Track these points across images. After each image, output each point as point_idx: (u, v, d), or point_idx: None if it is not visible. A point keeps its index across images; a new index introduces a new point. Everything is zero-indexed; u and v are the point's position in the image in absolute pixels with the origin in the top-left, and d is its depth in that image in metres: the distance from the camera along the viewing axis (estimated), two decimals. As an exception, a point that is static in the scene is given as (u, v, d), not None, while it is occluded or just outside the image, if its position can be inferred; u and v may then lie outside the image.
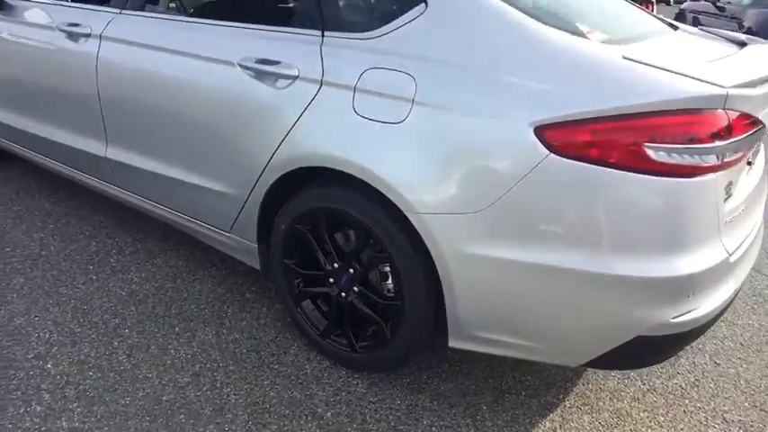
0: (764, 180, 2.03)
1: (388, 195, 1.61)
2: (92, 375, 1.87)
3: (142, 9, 2.26)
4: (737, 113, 1.43)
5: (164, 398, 1.80)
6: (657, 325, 1.49)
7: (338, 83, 1.70)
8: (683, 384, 2.06)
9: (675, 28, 2.24)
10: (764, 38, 2.35)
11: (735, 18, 8.21)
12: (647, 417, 1.89)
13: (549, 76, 1.46)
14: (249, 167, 1.92)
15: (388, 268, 1.80)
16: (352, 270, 1.85)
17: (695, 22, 9.63)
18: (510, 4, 1.61)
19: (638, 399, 1.97)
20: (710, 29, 2.42)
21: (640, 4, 8.48)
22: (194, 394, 1.82)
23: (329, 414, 1.79)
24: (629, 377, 2.07)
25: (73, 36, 2.39)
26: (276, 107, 1.81)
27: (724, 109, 1.39)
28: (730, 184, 1.55)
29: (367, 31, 1.71)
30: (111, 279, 2.37)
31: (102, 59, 2.28)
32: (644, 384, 2.04)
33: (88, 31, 2.33)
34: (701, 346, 2.27)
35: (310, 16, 1.83)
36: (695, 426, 1.86)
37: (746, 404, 1.99)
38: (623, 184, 1.40)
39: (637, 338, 1.52)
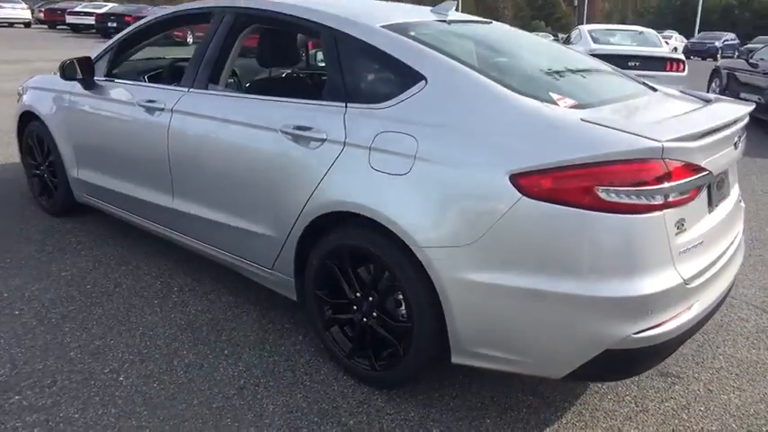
0: (735, 219, 2.29)
1: (397, 233, 1.97)
2: (155, 386, 2.25)
3: (205, 88, 2.76)
4: (677, 162, 1.74)
5: (213, 405, 2.15)
6: (621, 339, 1.76)
7: (357, 144, 2.11)
8: (675, 407, 2.26)
9: (655, 90, 2.57)
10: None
11: (766, 73, 8.37)
12: (637, 429, 2.11)
13: (520, 136, 1.82)
14: (288, 214, 2.33)
15: (400, 296, 2.13)
16: (371, 298, 2.20)
17: (729, 78, 9.81)
18: (493, 80, 2.00)
19: (631, 418, 2.19)
20: (688, 90, 2.73)
21: (670, 64, 8.75)
22: (239, 403, 2.17)
23: (352, 422, 2.10)
24: (623, 399, 2.29)
25: (149, 110, 2.92)
26: (309, 164, 2.23)
27: (662, 159, 1.71)
28: (682, 220, 1.84)
29: (380, 102, 2.12)
30: (172, 311, 2.79)
31: (172, 128, 2.79)
32: (637, 406, 2.26)
33: (162, 106, 2.85)
34: (696, 375, 2.47)
35: (336, 91, 2.27)
36: (660, 421, 2.07)
37: (734, 425, 2.17)
38: (581, 220, 1.72)
39: (606, 351, 1.79)
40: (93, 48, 3.62)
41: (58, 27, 29.55)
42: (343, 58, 2.28)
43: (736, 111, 2.14)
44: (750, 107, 2.27)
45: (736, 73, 9.61)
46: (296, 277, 2.44)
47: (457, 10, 3.10)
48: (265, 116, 2.41)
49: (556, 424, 2.13)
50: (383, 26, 2.28)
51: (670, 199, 1.75)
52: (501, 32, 2.94)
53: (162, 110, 2.84)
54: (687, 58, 13.75)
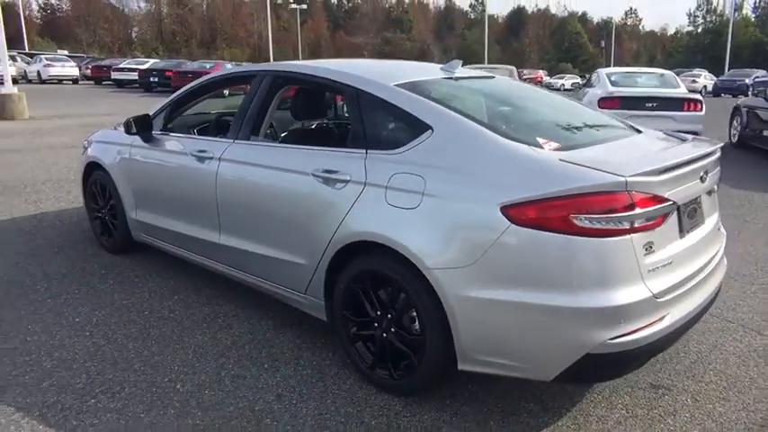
0: (711, 244, 2.60)
1: (410, 258, 2.35)
2: (207, 393, 2.63)
3: (248, 139, 3.23)
4: (640, 193, 2.09)
5: (256, 408, 2.52)
6: (599, 344, 2.08)
7: (376, 183, 2.51)
8: (662, 414, 2.53)
9: (640, 132, 2.93)
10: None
11: (784, 111, 8.59)
12: (639, 428, 2.38)
13: (509, 174, 2.20)
14: (318, 245, 2.72)
15: (414, 313, 2.48)
16: (389, 315, 2.55)
17: (749, 116, 10.01)
18: (488, 128, 2.39)
19: (621, 422, 2.47)
20: (668, 131, 3.07)
21: (687, 104, 9.03)
22: (277, 407, 2.53)
23: (373, 423, 2.43)
24: (615, 407, 2.57)
25: (200, 159, 3.39)
26: (335, 202, 2.64)
27: (626, 191, 2.06)
28: (651, 243, 2.17)
29: (395, 148, 2.53)
30: (219, 332, 3.19)
31: (220, 174, 3.25)
32: (627, 412, 2.53)
33: (211, 155, 3.33)
34: (685, 387, 2.73)
35: (358, 140, 2.70)
36: (647, 426, 2.34)
37: (715, 429, 2.43)
38: (560, 243, 2.07)
39: (587, 356, 2.11)
40: (137, 101, 4.12)
41: (103, 83, 31.35)
42: (363, 112, 2.72)
43: (702, 149, 2.48)
44: (717, 146, 2.61)
45: (757, 111, 9.79)
46: (326, 300, 2.82)
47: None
48: (299, 162, 2.85)
49: (552, 426, 2.42)
50: (397, 84, 2.72)
51: (636, 225, 2.09)
52: (502, 86, 3.36)
53: (211, 158, 3.32)
54: (717, 95, 13.85)
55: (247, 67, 3.39)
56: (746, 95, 29.00)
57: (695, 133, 9.05)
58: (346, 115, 3.62)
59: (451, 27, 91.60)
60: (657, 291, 2.16)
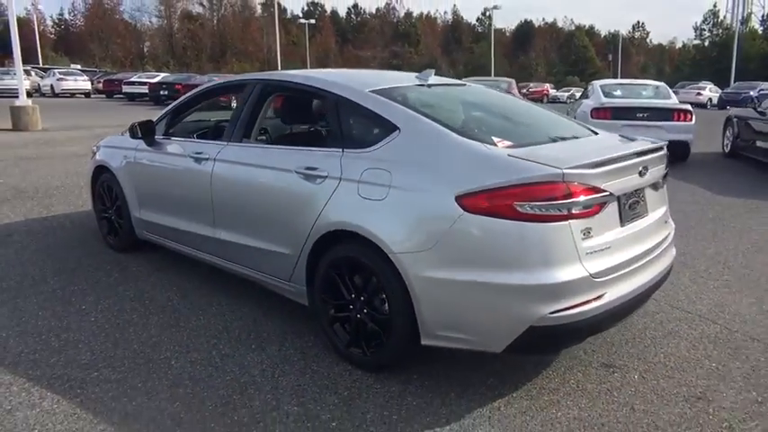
0: (655, 234, 2.86)
1: (378, 244, 2.63)
2: (198, 368, 2.90)
3: (240, 141, 3.53)
4: (576, 184, 2.36)
5: (241, 380, 2.79)
6: (540, 318, 2.34)
7: (350, 178, 2.80)
8: (610, 388, 2.78)
9: (596, 133, 3.21)
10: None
11: (772, 121, 8.81)
12: (573, 405, 2.63)
13: (463, 168, 2.49)
14: (300, 235, 3.01)
15: (383, 295, 2.76)
16: (362, 298, 2.83)
17: (740, 127, 10.23)
18: (449, 128, 2.68)
19: (570, 394, 2.72)
20: (624, 134, 3.34)
21: (677, 114, 9.26)
22: (260, 379, 2.80)
23: (346, 393, 2.69)
24: (567, 382, 2.82)
25: (197, 160, 3.70)
26: (315, 196, 2.92)
27: (563, 182, 2.33)
28: (589, 229, 2.44)
29: (367, 147, 2.83)
30: (213, 319, 3.47)
31: (214, 173, 3.55)
32: (578, 387, 2.78)
33: (207, 156, 3.63)
34: (635, 366, 2.97)
35: (336, 140, 3.00)
36: (607, 411, 2.58)
37: (655, 400, 2.67)
38: (505, 228, 2.34)
39: (530, 328, 2.37)
40: (146, 113, 4.46)
41: (115, 96, 31.96)
42: (341, 116, 3.02)
43: (639, 147, 2.76)
44: (657, 145, 2.89)
45: (749, 121, 10.00)
46: (307, 286, 3.10)
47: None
48: (284, 161, 3.15)
49: (507, 397, 2.68)
50: (371, 90, 3.02)
51: (573, 212, 2.37)
52: (471, 92, 3.65)
53: (207, 159, 3.62)
54: (723, 108, 14.01)
55: (240, 76, 3.70)
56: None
57: (685, 142, 9.33)
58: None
59: (459, 41, 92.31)
60: (595, 271, 2.43)
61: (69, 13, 79.43)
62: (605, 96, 10.11)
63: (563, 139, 2.99)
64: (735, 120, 10.55)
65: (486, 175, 2.41)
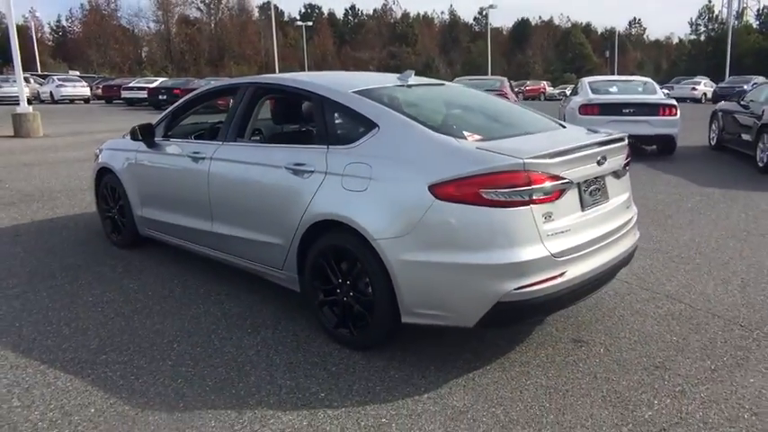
0: (615, 219, 3.11)
1: (361, 232, 2.87)
2: (198, 350, 3.15)
3: (235, 140, 3.78)
4: (536, 172, 2.61)
5: (238, 359, 3.03)
6: (506, 293, 2.59)
7: (334, 172, 3.05)
8: (576, 360, 3.02)
9: (564, 126, 3.46)
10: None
11: (754, 114, 9.05)
12: (542, 375, 2.88)
13: (435, 160, 2.74)
14: (291, 226, 3.25)
15: (367, 279, 3.00)
16: (348, 282, 3.08)
17: (725, 120, 10.48)
18: (424, 124, 2.93)
19: (540, 366, 2.96)
20: (591, 126, 3.58)
21: (663, 109, 9.49)
22: (255, 358, 3.04)
23: (334, 369, 2.94)
24: (538, 356, 3.06)
25: (195, 159, 3.95)
26: (303, 189, 3.17)
27: (524, 170, 2.58)
28: (550, 213, 2.68)
29: (349, 143, 3.08)
30: (212, 307, 3.72)
31: (211, 171, 3.80)
32: (547, 359, 3.03)
33: (204, 155, 3.88)
34: (602, 341, 3.22)
35: (321, 137, 3.25)
36: (572, 379, 2.83)
37: (617, 369, 2.91)
38: (473, 213, 2.59)
39: (498, 303, 2.62)
40: (146, 118, 4.72)
41: (114, 101, 32.19)
42: (326, 115, 3.27)
43: (597, 138, 3.01)
44: (617, 136, 3.14)
45: (734, 115, 10.24)
46: (298, 273, 3.35)
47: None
48: (275, 158, 3.40)
49: (481, 369, 2.93)
50: (354, 91, 3.27)
51: (534, 197, 2.61)
52: (449, 91, 3.90)
53: (204, 158, 3.87)
54: (717, 102, 14.26)
55: (234, 79, 3.96)
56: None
57: (671, 136, 9.58)
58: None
59: (456, 40, 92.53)
60: (556, 251, 2.68)
61: (67, 20, 79.97)
62: (593, 93, 10.37)
63: (531, 132, 3.23)
64: (720, 113, 10.79)
65: (455, 165, 2.66)
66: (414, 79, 3.74)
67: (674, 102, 9.94)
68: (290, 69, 65.48)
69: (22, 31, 57.56)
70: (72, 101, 33.23)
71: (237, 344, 3.23)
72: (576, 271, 2.78)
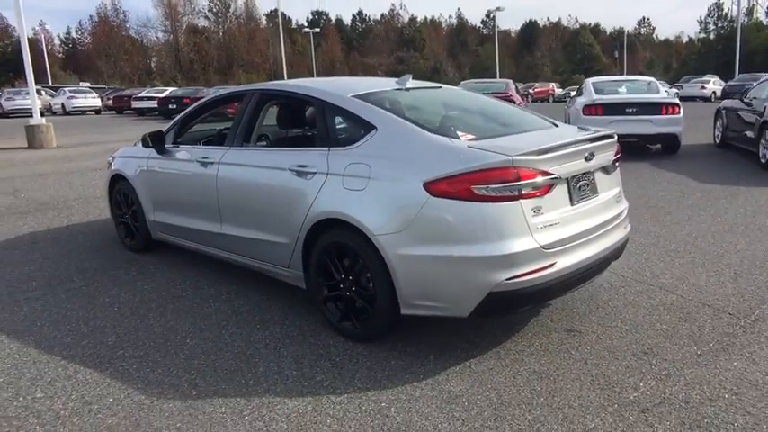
0: (604, 213, 3.25)
1: (361, 229, 3.03)
2: (210, 345, 3.32)
3: (241, 145, 3.97)
4: (525, 169, 2.76)
5: (247, 352, 3.21)
6: (497, 284, 2.74)
7: (335, 173, 3.22)
8: (568, 347, 3.16)
9: (557, 125, 3.60)
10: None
11: (756, 111, 9.12)
12: (535, 362, 3.02)
13: (430, 159, 2.90)
14: (296, 225, 3.42)
15: (368, 274, 3.16)
16: (350, 277, 3.24)
17: (728, 118, 10.54)
18: (420, 126, 3.09)
19: (534, 354, 3.10)
20: (582, 126, 3.72)
21: (665, 108, 9.56)
22: (264, 351, 3.21)
23: (338, 359, 3.10)
24: (532, 344, 3.20)
25: (204, 164, 4.14)
26: (306, 190, 3.34)
27: (513, 167, 2.73)
28: (539, 207, 2.83)
29: (349, 145, 3.25)
30: (222, 305, 3.90)
31: (219, 175, 3.98)
32: (541, 348, 3.17)
33: (212, 160, 4.07)
34: (594, 330, 3.35)
35: (323, 140, 3.43)
36: (564, 365, 2.97)
37: (607, 356, 3.05)
38: (465, 208, 2.75)
39: (491, 293, 2.77)
40: (157, 127, 4.94)
41: (125, 112, 32.63)
42: (327, 118, 3.44)
43: (584, 136, 3.15)
44: (605, 133, 3.28)
45: (738, 112, 10.28)
46: (304, 271, 3.51)
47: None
48: (279, 160, 3.57)
49: (477, 357, 3.08)
50: (353, 95, 3.44)
51: (524, 192, 2.77)
52: (445, 93, 4.07)
53: (212, 163, 4.06)
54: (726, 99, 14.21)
55: (239, 87, 4.15)
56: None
57: (674, 135, 9.67)
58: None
59: (464, 44, 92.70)
60: (545, 243, 2.82)
61: (76, 32, 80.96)
62: (596, 93, 10.48)
63: (524, 131, 3.38)
64: (724, 111, 10.86)
65: (448, 163, 2.82)
66: (412, 83, 3.90)
67: (676, 101, 10.02)
68: (298, 76, 65.94)
69: (33, 43, 58.33)
70: (83, 112, 33.77)
71: (247, 338, 3.40)
72: (566, 262, 2.93)
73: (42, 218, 6.72)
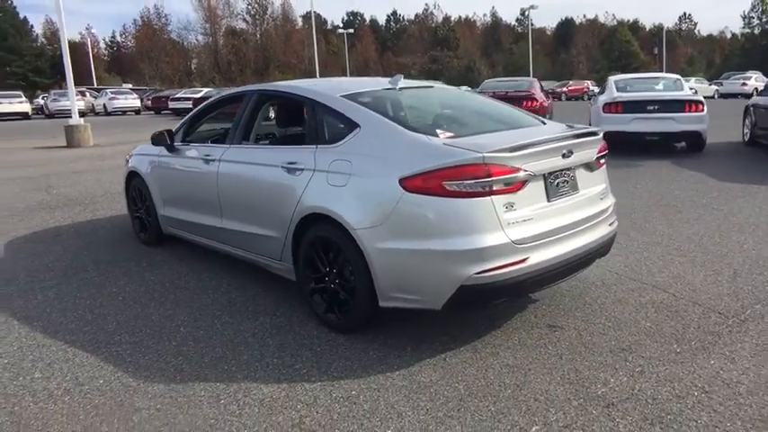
0: (585, 209, 3.26)
1: (342, 223, 3.13)
2: (202, 332, 3.48)
3: (240, 143, 4.12)
4: (496, 165, 2.81)
5: (235, 340, 3.34)
6: (468, 277, 2.80)
7: (321, 169, 3.32)
8: (546, 343, 3.19)
9: (545, 123, 3.63)
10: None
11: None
12: (510, 356, 3.07)
13: (406, 156, 2.98)
14: (286, 219, 3.54)
15: (350, 267, 3.25)
16: (334, 270, 3.34)
17: (757, 115, 10.25)
18: (401, 124, 3.18)
19: (511, 348, 3.15)
20: (571, 124, 3.73)
21: (689, 105, 9.34)
22: (250, 339, 3.34)
23: (319, 349, 3.20)
24: (511, 339, 3.24)
25: (206, 161, 4.31)
26: (295, 185, 3.46)
27: (483, 163, 2.79)
28: (511, 203, 2.88)
29: (335, 143, 3.35)
30: (220, 297, 4.06)
31: (220, 171, 4.14)
32: (519, 342, 3.21)
33: (214, 157, 4.23)
34: (576, 326, 3.37)
35: (311, 138, 3.55)
36: (537, 360, 3.01)
37: (583, 352, 3.07)
38: (438, 203, 2.82)
39: (461, 287, 2.83)
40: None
41: (162, 112, 33.53)
42: (316, 117, 3.55)
43: (563, 133, 3.18)
44: (588, 130, 3.29)
45: (765, 109, 9.99)
46: (294, 264, 3.63)
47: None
48: (272, 158, 3.70)
49: (455, 350, 3.14)
50: (342, 95, 3.54)
51: (495, 188, 2.82)
52: (436, 92, 4.13)
53: (213, 160, 4.22)
54: None
55: (240, 88, 4.32)
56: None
57: (698, 132, 9.47)
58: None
59: (499, 42, 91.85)
60: (516, 238, 2.87)
61: (121, 35, 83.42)
62: (618, 91, 10.33)
63: (506, 129, 3.43)
64: (752, 108, 10.56)
65: (422, 160, 2.89)
66: (403, 83, 3.98)
67: (700, 98, 9.80)
68: (331, 76, 66.51)
69: (79, 47, 60.66)
70: (124, 112, 34.87)
71: (237, 328, 3.54)
72: (540, 257, 2.96)
73: (69, 213, 7.04)
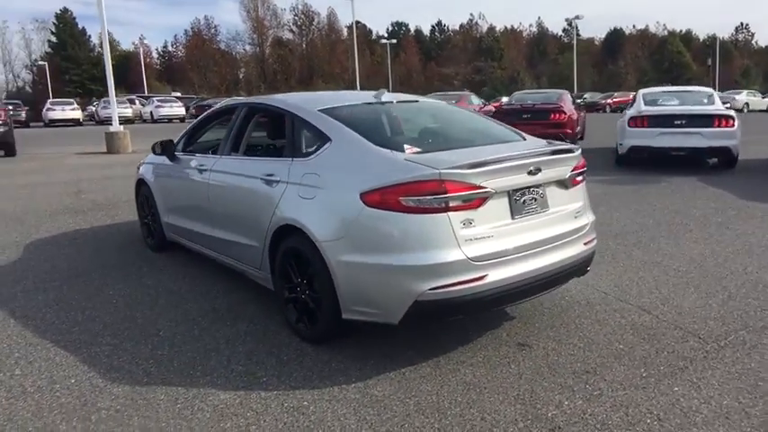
0: (553, 227, 3.22)
1: (309, 235, 3.19)
2: (178, 337, 3.59)
3: (229, 154, 4.24)
4: (453, 182, 2.81)
5: (208, 347, 3.44)
6: (422, 293, 2.81)
7: (294, 182, 3.39)
8: (510, 361, 3.15)
9: (525, 139, 3.61)
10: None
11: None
12: (470, 373, 3.05)
13: (369, 171, 3.02)
14: (263, 229, 3.62)
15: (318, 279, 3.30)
16: (304, 281, 3.40)
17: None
18: (368, 139, 3.22)
19: (474, 365, 3.13)
20: (552, 141, 3.68)
21: (718, 120, 9.05)
22: (223, 347, 3.42)
23: (285, 357, 3.26)
24: (476, 355, 3.22)
25: (200, 171, 4.45)
26: (271, 197, 3.54)
27: (440, 180, 2.80)
28: (470, 219, 2.87)
29: (307, 156, 3.42)
30: (205, 303, 4.17)
31: (210, 181, 4.27)
32: (483, 360, 3.18)
33: (206, 167, 4.37)
34: (545, 345, 3.32)
35: (288, 150, 3.63)
36: (497, 378, 2.98)
37: (546, 372, 3.03)
38: (395, 218, 2.84)
39: (416, 302, 2.84)
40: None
41: (206, 119, 34.53)
42: (293, 130, 3.63)
43: (532, 150, 3.15)
44: (563, 147, 3.26)
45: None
46: (271, 273, 3.71)
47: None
48: (253, 169, 3.80)
49: (416, 365, 3.14)
50: (319, 109, 3.61)
51: (451, 205, 2.82)
52: (420, 106, 4.16)
53: (206, 170, 4.36)
54: None
55: (232, 100, 4.46)
56: None
57: (727, 149, 9.15)
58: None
59: (544, 53, 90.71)
60: (473, 255, 2.86)
61: (172, 45, 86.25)
62: (645, 105, 10.09)
63: (479, 145, 3.42)
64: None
65: (381, 175, 2.93)
66: (387, 96, 4.02)
67: (731, 113, 9.47)
68: (374, 86, 66.85)
69: (133, 56, 63.09)
70: (170, 120, 36.03)
71: (214, 334, 3.64)
72: (500, 275, 2.94)
73: (90, 217, 7.34)
